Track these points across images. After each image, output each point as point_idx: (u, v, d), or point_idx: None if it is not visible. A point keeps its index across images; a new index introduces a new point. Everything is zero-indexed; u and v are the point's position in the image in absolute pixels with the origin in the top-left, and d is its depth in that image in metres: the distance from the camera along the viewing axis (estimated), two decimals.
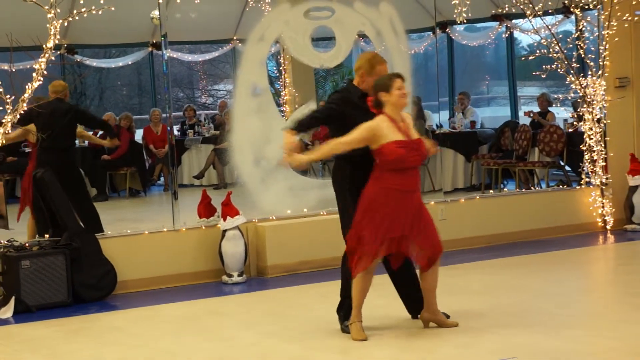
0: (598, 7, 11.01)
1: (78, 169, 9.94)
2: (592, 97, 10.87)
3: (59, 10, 8.68)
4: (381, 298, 7.50)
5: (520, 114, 14.58)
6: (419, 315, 7.00)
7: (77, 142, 12.87)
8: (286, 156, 6.70)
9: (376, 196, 6.65)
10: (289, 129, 6.80)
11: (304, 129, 6.97)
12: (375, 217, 6.63)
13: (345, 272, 6.99)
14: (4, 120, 8.55)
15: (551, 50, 10.68)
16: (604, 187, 11.08)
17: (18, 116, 8.60)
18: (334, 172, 7.07)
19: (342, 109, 6.90)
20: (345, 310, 7.02)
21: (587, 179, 11.02)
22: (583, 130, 10.96)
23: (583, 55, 10.92)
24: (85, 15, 8.79)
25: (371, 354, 6.44)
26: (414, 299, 7.17)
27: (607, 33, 10.94)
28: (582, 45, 10.87)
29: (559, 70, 10.69)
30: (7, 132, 8.56)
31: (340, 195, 7.00)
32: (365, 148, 6.73)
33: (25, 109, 8.64)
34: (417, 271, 6.94)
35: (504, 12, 10.81)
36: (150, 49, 13.23)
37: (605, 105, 11.03)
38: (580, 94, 10.90)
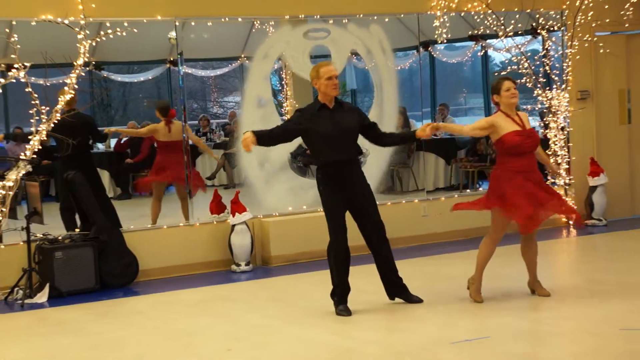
0: (562, 28, 11.05)
1: (96, 169, 9.92)
2: (557, 107, 10.89)
3: (87, 32, 8.72)
4: (370, 285, 7.51)
5: None
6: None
7: (102, 147, 12.89)
8: (245, 146, 6.85)
9: (502, 177, 6.95)
10: (253, 132, 6.85)
11: (262, 140, 6.95)
12: (505, 194, 6.87)
13: (330, 262, 7.02)
14: (39, 129, 8.57)
15: (521, 66, 10.70)
16: (567, 187, 11.09)
17: (52, 125, 8.63)
18: (315, 179, 7.10)
19: (301, 126, 6.93)
20: (338, 295, 7.03)
21: (553, 180, 11.04)
22: (549, 137, 10.98)
23: (549, 71, 10.94)
24: (111, 36, 8.84)
25: (362, 334, 6.45)
26: (392, 284, 7.21)
27: (570, 52, 10.98)
28: (548, 62, 10.89)
29: (527, 84, 10.71)
30: (42, 138, 8.60)
31: (321, 197, 7.03)
32: (322, 159, 6.89)
33: (58, 118, 8.67)
34: (520, 244, 7.20)
35: (479, 33, 10.81)
36: (168, 65, 13.21)
37: (568, 115, 11.06)
38: (546, 105, 10.91)
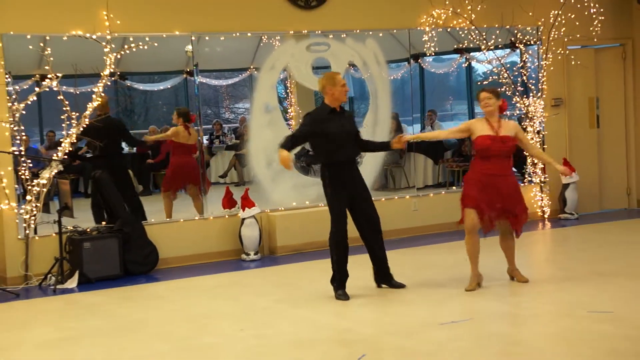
0: (538, 43, 11.06)
1: (126, 169, 9.92)
2: (533, 113, 10.90)
3: (113, 46, 8.73)
4: (367, 272, 7.51)
5: None
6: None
7: (126, 149, 12.89)
8: (286, 166, 6.74)
9: (471, 177, 6.92)
10: (282, 147, 6.79)
11: (289, 147, 6.91)
12: (472, 193, 6.85)
13: (331, 251, 7.01)
14: (70, 132, 8.58)
15: (501, 76, 10.71)
16: (542, 185, 11.11)
17: (81, 129, 8.64)
18: (320, 176, 7.09)
19: (313, 128, 6.91)
20: (337, 281, 7.04)
21: (530, 178, 11.05)
22: None
23: (526, 81, 10.95)
24: (134, 49, 8.85)
25: (360, 316, 6.47)
26: (380, 273, 7.24)
27: (545, 63, 10.98)
28: (525, 72, 10.90)
29: (507, 92, 10.72)
30: (73, 141, 8.61)
31: (325, 192, 7.03)
32: (331, 158, 6.87)
33: (87, 123, 8.68)
34: (499, 236, 7.18)
35: (464, 46, 10.82)
36: (185, 75, 13.20)
37: (543, 120, 11.07)
38: (524, 111, 10.93)
